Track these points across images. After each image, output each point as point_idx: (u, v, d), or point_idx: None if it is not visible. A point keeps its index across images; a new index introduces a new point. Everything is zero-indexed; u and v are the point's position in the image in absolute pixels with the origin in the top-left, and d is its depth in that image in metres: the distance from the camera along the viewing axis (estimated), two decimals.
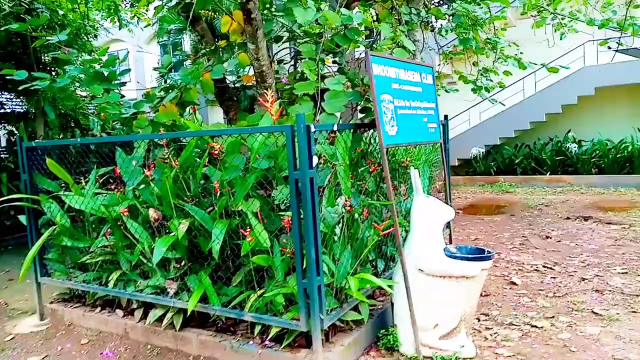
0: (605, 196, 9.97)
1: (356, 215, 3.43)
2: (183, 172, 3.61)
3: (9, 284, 5.73)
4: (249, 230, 3.13)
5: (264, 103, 3.41)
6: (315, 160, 2.90)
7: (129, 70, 4.37)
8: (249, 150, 3.40)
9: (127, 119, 4.33)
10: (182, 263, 3.59)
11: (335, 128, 3.19)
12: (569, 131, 12.12)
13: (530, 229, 7.49)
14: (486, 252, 3.50)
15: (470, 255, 3.40)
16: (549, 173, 11.70)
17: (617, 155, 10.93)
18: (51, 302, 4.48)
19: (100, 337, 3.96)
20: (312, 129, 2.88)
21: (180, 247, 3.48)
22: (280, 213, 3.30)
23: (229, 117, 5.84)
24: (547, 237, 6.81)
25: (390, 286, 3.33)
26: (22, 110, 11.07)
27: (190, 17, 5.16)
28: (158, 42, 17.51)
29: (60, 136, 9.33)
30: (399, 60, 3.71)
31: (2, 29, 8.60)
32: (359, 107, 4.04)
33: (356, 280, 3.06)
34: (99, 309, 4.18)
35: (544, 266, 5.42)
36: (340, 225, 3.28)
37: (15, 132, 11.57)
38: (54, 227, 4.15)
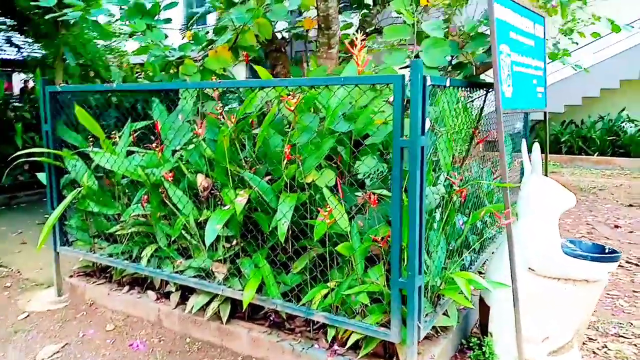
0: None
1: (454, 197, 2.75)
2: (239, 132, 2.93)
3: (23, 248, 5.15)
4: (329, 209, 2.46)
5: (351, 48, 2.68)
6: (427, 123, 2.20)
7: (176, 3, 3.63)
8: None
9: (168, 64, 3.63)
10: (234, 242, 2.96)
11: (447, 84, 2.47)
12: (623, 109, 11.20)
13: (593, 215, 6.77)
14: (608, 250, 2.84)
15: (591, 254, 2.72)
16: (597, 154, 10.86)
17: None
18: (71, 276, 3.89)
19: (128, 322, 3.37)
20: (429, 82, 2.17)
21: (233, 223, 2.83)
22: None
23: (275, 72, 5.10)
24: (616, 227, 6.10)
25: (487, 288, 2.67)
26: (38, 57, 10.38)
27: None
28: None
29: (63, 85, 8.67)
30: (516, 3, 2.95)
31: None
32: (453, 62, 3.31)
33: (464, 281, 2.39)
34: (126, 287, 3.58)
35: (627, 261, 4.74)
36: (440, 209, 2.61)
37: (31, 80, 10.92)
38: (79, 189, 3.52)
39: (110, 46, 11.19)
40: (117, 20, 4.06)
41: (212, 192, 2.98)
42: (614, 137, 10.76)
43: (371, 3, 5.45)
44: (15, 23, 9.49)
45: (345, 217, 2.50)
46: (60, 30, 8.48)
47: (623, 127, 10.79)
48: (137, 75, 10.00)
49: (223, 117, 2.91)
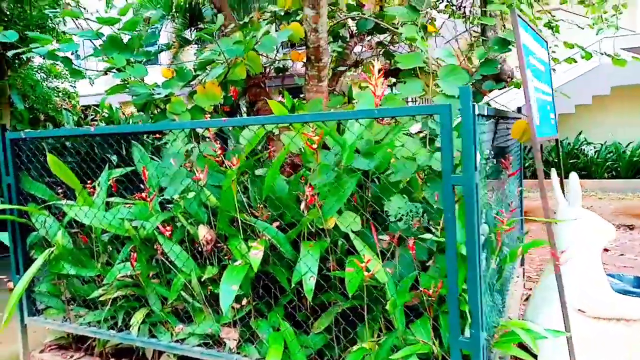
0: (628, 202, 9.41)
1: (492, 237, 2.50)
2: (239, 175, 2.61)
3: None
4: (366, 259, 2.15)
5: (367, 78, 2.43)
6: (478, 157, 1.96)
7: (157, 36, 3.29)
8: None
9: (149, 103, 3.26)
10: (244, 302, 2.57)
11: (485, 112, 2.25)
12: (580, 133, 11.58)
13: None
14: None
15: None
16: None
17: (634, 159, 10.42)
18: (42, 351, 3.32)
19: None
20: (477, 111, 1.94)
21: (244, 280, 2.46)
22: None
23: (256, 108, 4.80)
24: (605, 250, 6.07)
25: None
26: None
27: None
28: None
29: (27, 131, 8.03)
30: (531, 28, 2.81)
31: None
32: None
33: (525, 331, 2.12)
34: None
35: None
36: (486, 251, 2.35)
37: None
38: (51, 249, 3.04)
39: (57, 87, 10.61)
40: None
41: (217, 245, 2.60)
42: (575, 160, 11.05)
43: (348, 36, 5.30)
44: None
45: (381, 267, 2.19)
46: (6, 71, 7.88)
47: (583, 149, 11.11)
48: (92, 117, 9.46)
49: (224, 159, 2.58)
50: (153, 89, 2.99)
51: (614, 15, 6.78)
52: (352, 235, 2.27)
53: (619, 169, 10.54)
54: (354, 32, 5.28)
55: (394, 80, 5.99)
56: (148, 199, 2.70)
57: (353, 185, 2.34)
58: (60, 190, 3.31)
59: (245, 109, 5.41)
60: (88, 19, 3.03)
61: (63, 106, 9.27)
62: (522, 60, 2.40)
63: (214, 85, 3.14)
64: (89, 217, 2.90)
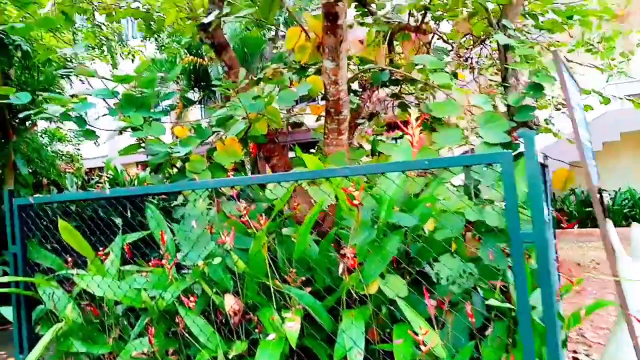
0: None
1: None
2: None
3: None
4: (423, 331, 1.89)
5: (404, 128, 2.27)
6: (546, 209, 1.75)
7: (172, 94, 3.16)
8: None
9: (164, 164, 3.09)
10: None
11: (543, 161, 2.07)
12: None
13: (612, 294, 6.40)
14: None
15: None
16: (576, 226, 10.85)
17: None
18: None
19: None
20: (540, 158, 1.75)
21: (280, 357, 2.18)
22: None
23: (271, 164, 4.63)
24: None
25: None
26: None
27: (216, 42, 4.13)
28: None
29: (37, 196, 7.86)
30: (569, 73, 2.68)
31: None
32: None
33: None
34: None
35: None
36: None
37: None
38: (59, 324, 2.76)
39: (61, 151, 10.56)
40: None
41: (245, 316, 2.34)
42: (590, 209, 10.84)
43: (360, 89, 5.23)
44: None
45: (439, 340, 1.93)
46: (11, 136, 7.81)
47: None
48: (96, 180, 9.31)
49: (252, 220, 2.37)
50: (170, 148, 2.82)
51: (622, 61, 6.80)
52: (401, 303, 2.02)
53: (636, 215, 10.31)
54: (366, 84, 5.22)
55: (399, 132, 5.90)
56: (167, 266, 2.46)
57: (397, 244, 2.12)
58: (69, 258, 3.09)
59: (249, 166, 5.24)
60: (104, 77, 2.91)
61: (67, 170, 9.15)
62: (570, 104, 2.24)
63: (234, 141, 2.98)
64: (102, 288, 2.65)
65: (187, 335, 2.48)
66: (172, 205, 3.81)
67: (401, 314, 2.14)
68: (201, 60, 13.08)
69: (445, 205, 2.25)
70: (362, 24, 4.78)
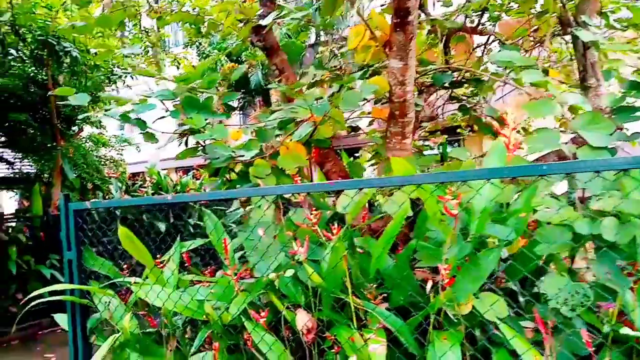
0: None
1: None
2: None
3: None
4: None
5: (499, 129, 2.04)
6: None
7: (235, 95, 3.02)
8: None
9: (223, 168, 2.94)
10: None
11: None
12: None
13: None
14: None
15: None
16: None
17: None
18: None
19: None
20: None
21: None
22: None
23: (325, 170, 4.44)
24: None
25: None
26: (32, 172, 9.70)
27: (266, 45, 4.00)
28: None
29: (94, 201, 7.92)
30: None
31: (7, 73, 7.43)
32: None
33: None
34: None
35: None
36: None
37: (23, 197, 10.12)
38: (116, 335, 2.63)
39: (105, 156, 10.67)
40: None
41: (318, 334, 2.14)
42: None
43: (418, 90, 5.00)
44: (6, 139, 8.93)
45: None
46: (59, 142, 7.90)
47: None
48: (140, 185, 9.35)
49: (316, 227, 2.19)
50: (234, 151, 2.66)
51: None
52: (502, 325, 1.78)
53: None
54: (423, 87, 5.00)
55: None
56: (233, 277, 2.29)
57: (496, 260, 1.89)
58: (125, 266, 2.97)
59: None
60: (165, 77, 2.80)
61: (111, 175, 9.22)
62: None
63: (298, 145, 2.81)
64: (162, 299, 2.50)
65: (252, 351, 2.31)
66: (225, 212, 3.68)
67: (496, 337, 1.92)
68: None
69: (545, 217, 2.01)
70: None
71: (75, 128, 9.02)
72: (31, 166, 9.92)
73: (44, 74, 7.57)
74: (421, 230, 2.23)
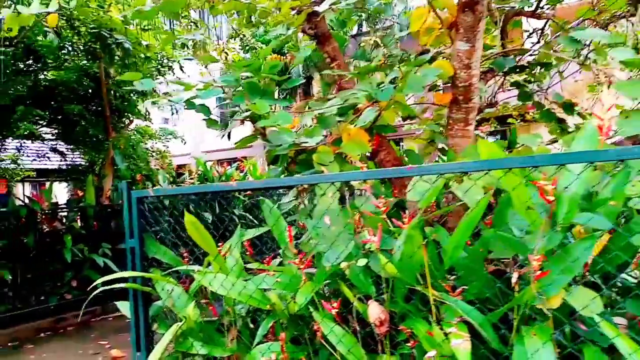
0: None
1: None
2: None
3: None
4: None
5: (597, 115, 1.88)
6: None
7: (298, 80, 2.95)
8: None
9: (283, 156, 2.87)
10: None
11: None
12: None
13: None
14: None
15: None
16: None
17: None
18: None
19: None
20: None
21: None
22: None
23: (379, 159, 4.32)
24: None
25: None
26: (84, 163, 9.99)
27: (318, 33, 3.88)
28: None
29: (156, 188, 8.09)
30: None
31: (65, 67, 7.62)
32: None
33: None
34: None
35: None
36: None
37: (75, 188, 10.44)
38: (179, 324, 2.61)
39: (152, 148, 10.86)
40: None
41: (391, 326, 2.05)
42: None
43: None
44: (59, 131, 9.20)
45: None
46: (110, 133, 8.07)
47: None
48: (186, 176, 9.48)
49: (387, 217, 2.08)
50: (297, 138, 2.59)
51: None
52: (602, 322, 1.64)
53: None
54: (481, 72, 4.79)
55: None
56: (301, 266, 2.22)
57: (590, 250, 1.74)
58: (185, 254, 2.96)
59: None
60: (231, 64, 2.75)
61: (159, 166, 9.39)
62: None
63: (360, 131, 2.71)
64: (226, 287, 2.46)
65: (319, 343, 2.24)
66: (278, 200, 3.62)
67: (585, 333, 1.78)
68: (284, 58, 13.12)
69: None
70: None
71: (125, 120, 9.22)
72: (82, 158, 10.23)
73: (96, 67, 7.74)
74: (501, 219, 2.09)
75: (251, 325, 2.75)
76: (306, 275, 2.33)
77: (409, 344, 1.95)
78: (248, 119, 2.92)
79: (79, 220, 7.09)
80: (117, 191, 7.96)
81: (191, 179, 9.14)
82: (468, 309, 1.84)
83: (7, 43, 6.61)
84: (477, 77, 3.19)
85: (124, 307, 2.97)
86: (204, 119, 2.65)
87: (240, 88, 2.84)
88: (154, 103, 2.78)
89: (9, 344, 5.70)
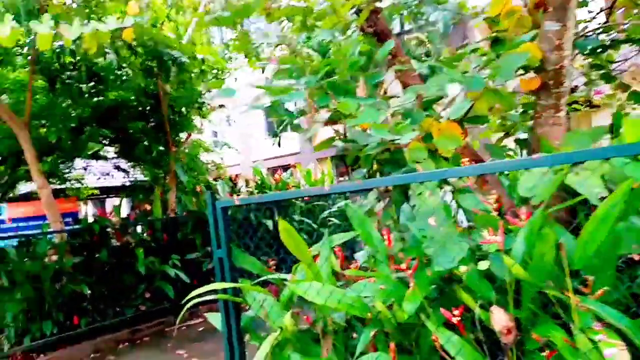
0: None
1: None
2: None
3: None
4: None
5: None
6: None
7: (378, 75, 2.82)
8: None
9: (368, 157, 2.74)
10: None
11: None
12: None
13: None
14: None
15: None
16: None
17: None
18: None
19: None
20: None
21: None
22: None
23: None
24: None
25: None
26: (146, 179, 10.23)
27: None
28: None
29: (195, 201, 8.19)
30: None
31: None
32: None
33: None
34: None
35: None
36: None
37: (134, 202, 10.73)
38: (275, 334, 2.52)
39: (207, 160, 10.99)
40: None
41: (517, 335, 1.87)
42: None
43: None
44: (120, 150, 9.46)
45: None
46: (171, 147, 8.21)
47: None
48: (243, 185, 9.54)
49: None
50: (390, 135, 2.44)
51: None
52: None
53: None
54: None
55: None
56: (408, 272, 2.08)
57: None
58: (272, 263, 2.88)
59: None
60: (307, 64, 2.65)
61: (218, 177, 9.49)
62: None
63: (452, 124, 2.54)
64: (323, 296, 2.35)
65: (428, 352, 2.09)
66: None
67: None
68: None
69: None
70: None
71: (182, 134, 9.38)
72: (142, 174, 10.49)
73: (152, 84, 7.89)
74: (631, 211, 1.87)
75: (348, 335, 2.63)
76: (403, 281, 2.19)
77: (544, 354, 1.76)
78: (327, 121, 2.80)
79: (150, 234, 7.22)
80: (181, 203, 8.08)
81: (248, 188, 9.20)
82: (616, 314, 1.63)
83: (72, 67, 6.85)
84: (569, 59, 2.97)
85: (214, 319, 2.92)
86: (286, 124, 2.55)
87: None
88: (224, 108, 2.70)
89: (91, 356, 5.84)
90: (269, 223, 7.92)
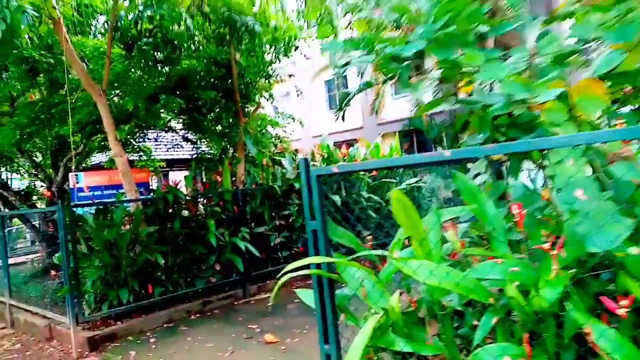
0: None
1: None
2: None
3: None
4: None
5: None
6: None
7: (509, 25, 2.46)
8: None
9: (482, 120, 2.40)
10: None
11: None
12: None
13: None
14: None
15: None
16: None
17: None
18: None
19: None
20: None
21: None
22: None
23: None
24: None
25: None
26: (214, 152, 10.26)
27: None
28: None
29: (263, 174, 8.09)
30: None
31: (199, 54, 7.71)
32: None
33: None
34: None
35: None
36: None
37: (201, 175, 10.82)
38: (376, 316, 2.28)
39: (271, 134, 10.87)
40: None
41: None
42: None
43: None
44: (188, 122, 9.47)
45: None
46: (241, 119, 8.10)
47: None
48: (309, 158, 9.35)
49: None
50: (528, 92, 2.10)
51: None
52: None
53: None
54: None
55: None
56: (552, 253, 1.76)
57: None
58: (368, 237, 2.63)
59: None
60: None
61: (286, 150, 9.35)
62: None
63: (595, 82, 2.15)
64: (437, 277, 2.07)
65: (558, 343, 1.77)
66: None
67: None
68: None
69: None
70: None
71: (250, 106, 9.27)
72: (207, 146, 10.52)
73: (223, 52, 7.76)
74: None
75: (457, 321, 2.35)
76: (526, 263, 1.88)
77: None
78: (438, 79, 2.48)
79: (222, 205, 7.18)
80: (250, 176, 8.00)
81: (314, 162, 9.00)
82: None
83: (148, 34, 6.81)
84: None
85: (305, 296, 2.72)
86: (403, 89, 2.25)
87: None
88: (339, 67, 2.43)
89: (165, 325, 5.90)
90: (336, 198, 7.71)
